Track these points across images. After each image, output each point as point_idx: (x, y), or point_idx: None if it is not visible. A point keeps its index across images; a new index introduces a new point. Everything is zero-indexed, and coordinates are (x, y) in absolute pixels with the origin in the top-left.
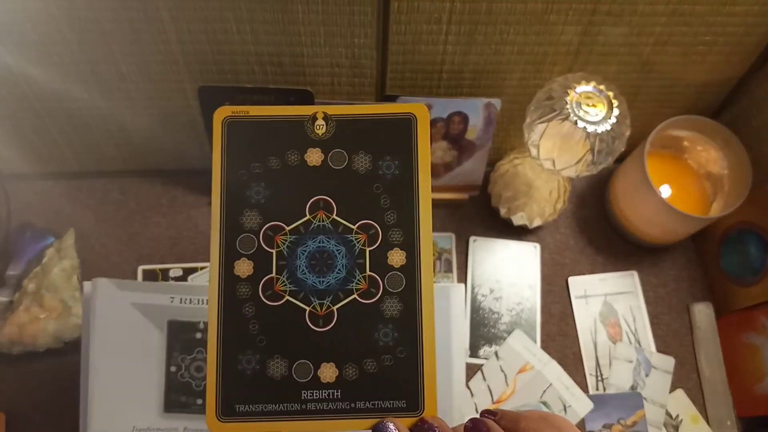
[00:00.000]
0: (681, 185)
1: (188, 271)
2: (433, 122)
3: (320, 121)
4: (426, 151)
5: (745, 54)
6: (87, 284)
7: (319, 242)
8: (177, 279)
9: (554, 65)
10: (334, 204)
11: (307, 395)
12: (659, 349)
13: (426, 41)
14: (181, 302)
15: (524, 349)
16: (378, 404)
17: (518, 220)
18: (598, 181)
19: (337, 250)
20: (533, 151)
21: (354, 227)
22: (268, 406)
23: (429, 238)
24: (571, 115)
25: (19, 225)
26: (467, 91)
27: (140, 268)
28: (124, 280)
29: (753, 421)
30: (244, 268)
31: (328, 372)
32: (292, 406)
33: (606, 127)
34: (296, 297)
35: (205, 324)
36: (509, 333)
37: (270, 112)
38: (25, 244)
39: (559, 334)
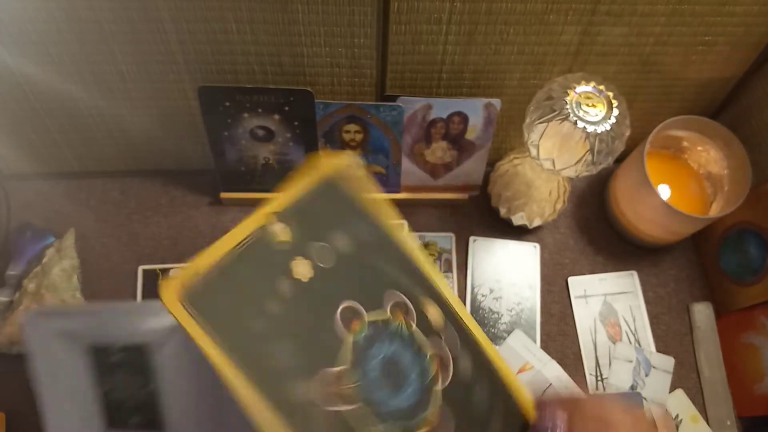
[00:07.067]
0: (681, 185)
1: None
2: (433, 122)
3: (275, 226)
4: (378, 201)
5: (745, 54)
6: (22, 315)
7: (394, 350)
8: None
9: (554, 65)
10: (358, 304)
11: None
12: (659, 349)
13: (426, 41)
14: (99, 327)
15: (524, 348)
16: None
17: (518, 220)
18: (598, 181)
19: (409, 359)
20: (533, 151)
21: (387, 310)
22: None
23: (444, 282)
24: (571, 115)
25: (19, 225)
26: (467, 91)
27: (140, 268)
28: (52, 305)
29: (753, 421)
30: None
31: None
32: None
33: (606, 127)
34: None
35: (125, 347)
36: (509, 333)
37: (218, 252)
38: (25, 244)
39: (559, 334)
